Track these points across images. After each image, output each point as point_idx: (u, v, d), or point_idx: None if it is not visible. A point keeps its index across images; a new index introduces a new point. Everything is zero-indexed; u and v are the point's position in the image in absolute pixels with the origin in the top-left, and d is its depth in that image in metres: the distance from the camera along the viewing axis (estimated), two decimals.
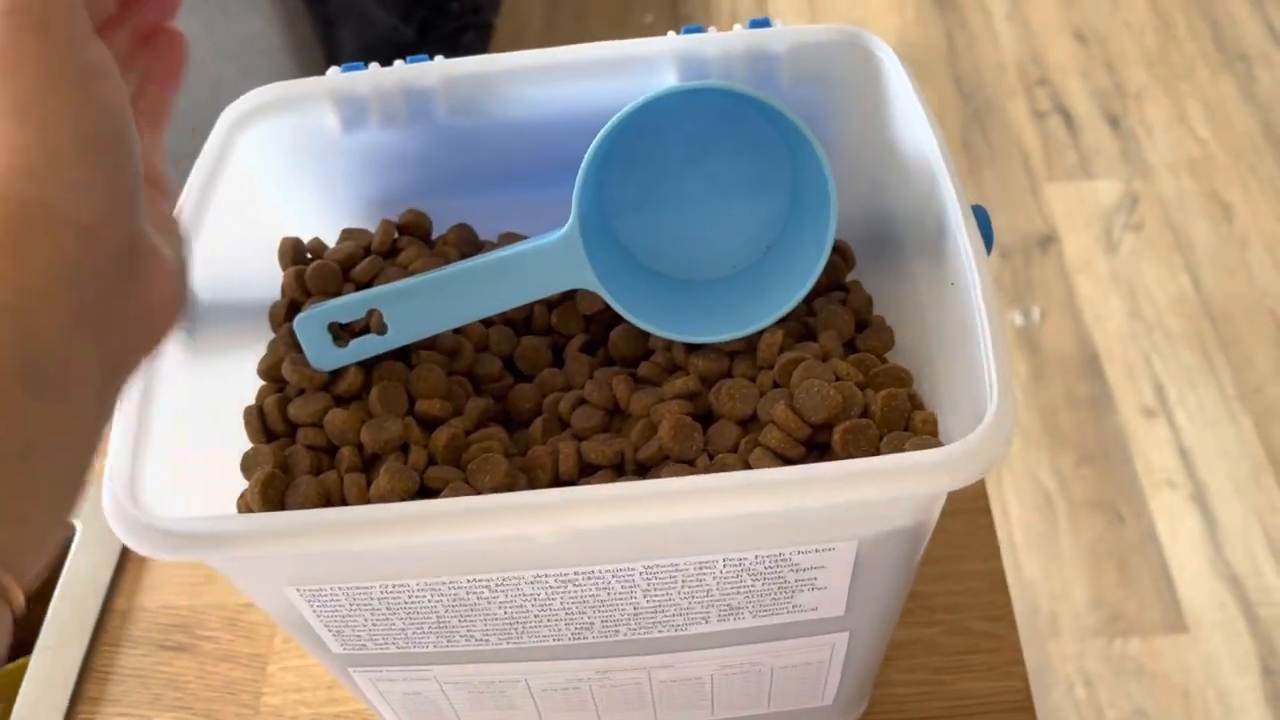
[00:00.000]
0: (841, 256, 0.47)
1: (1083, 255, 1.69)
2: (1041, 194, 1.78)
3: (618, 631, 0.39)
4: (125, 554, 0.60)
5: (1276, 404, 1.51)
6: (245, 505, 0.39)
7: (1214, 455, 1.48)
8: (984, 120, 1.90)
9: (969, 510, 0.57)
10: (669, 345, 0.44)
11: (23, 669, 0.58)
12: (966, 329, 0.35)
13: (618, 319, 0.46)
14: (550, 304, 0.47)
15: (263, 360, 0.43)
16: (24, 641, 0.62)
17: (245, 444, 0.42)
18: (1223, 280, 1.64)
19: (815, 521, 0.34)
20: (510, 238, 0.49)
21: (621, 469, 0.41)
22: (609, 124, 0.40)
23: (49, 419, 0.26)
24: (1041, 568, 1.40)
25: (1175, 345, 1.59)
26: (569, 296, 0.47)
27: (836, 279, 0.47)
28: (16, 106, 0.27)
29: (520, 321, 0.47)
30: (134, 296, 0.29)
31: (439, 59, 0.46)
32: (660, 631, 0.39)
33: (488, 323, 0.46)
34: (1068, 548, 1.42)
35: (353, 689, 0.44)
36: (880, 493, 0.30)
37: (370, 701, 0.45)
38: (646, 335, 0.45)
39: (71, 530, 0.61)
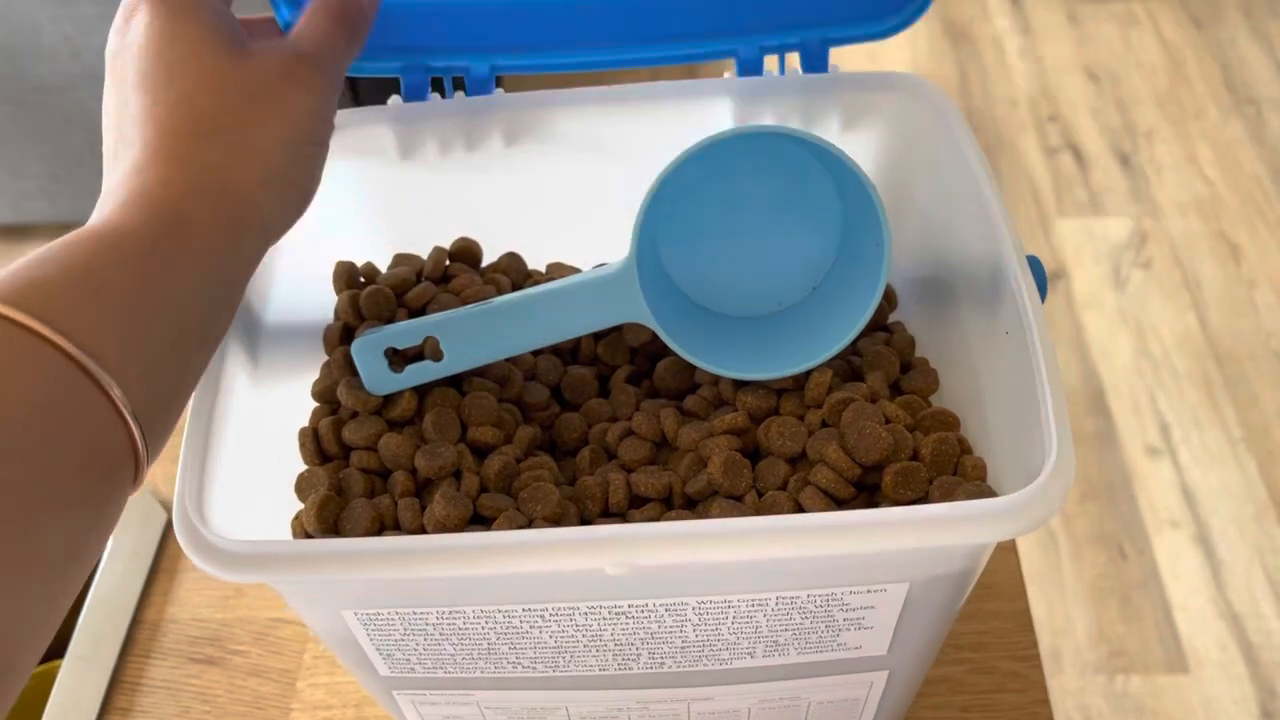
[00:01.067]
0: (885, 298, 0.48)
1: (1091, 291, 1.70)
2: (1051, 229, 1.79)
3: (663, 664, 0.40)
4: (156, 565, 0.61)
5: None
6: (300, 526, 0.40)
7: (1217, 495, 1.49)
8: (995, 155, 1.91)
9: (997, 549, 0.58)
10: (715, 380, 0.45)
11: (52, 673, 0.58)
12: (1021, 377, 0.36)
13: (663, 351, 0.46)
14: (597, 335, 0.47)
15: (316, 383, 0.44)
16: (53, 649, 0.62)
17: (298, 464, 0.42)
18: (1229, 320, 1.65)
19: (872, 563, 0.34)
20: (559, 268, 0.50)
21: (669, 502, 0.41)
22: (668, 166, 0.41)
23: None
24: (1044, 602, 1.41)
25: (1181, 384, 1.60)
26: (616, 328, 0.47)
27: (880, 319, 0.48)
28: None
29: (567, 351, 0.48)
30: None
31: (498, 91, 0.46)
32: (705, 665, 0.40)
33: (536, 351, 0.47)
34: (1070, 582, 1.43)
35: (391, 710, 0.45)
36: (943, 540, 0.31)
37: None
38: (692, 369, 0.46)
39: None
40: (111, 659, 0.57)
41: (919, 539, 0.31)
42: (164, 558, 0.61)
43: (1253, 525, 1.46)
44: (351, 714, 0.55)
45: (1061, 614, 1.41)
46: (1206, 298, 1.69)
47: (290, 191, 0.37)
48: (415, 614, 0.36)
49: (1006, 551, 0.58)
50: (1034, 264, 0.38)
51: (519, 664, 0.39)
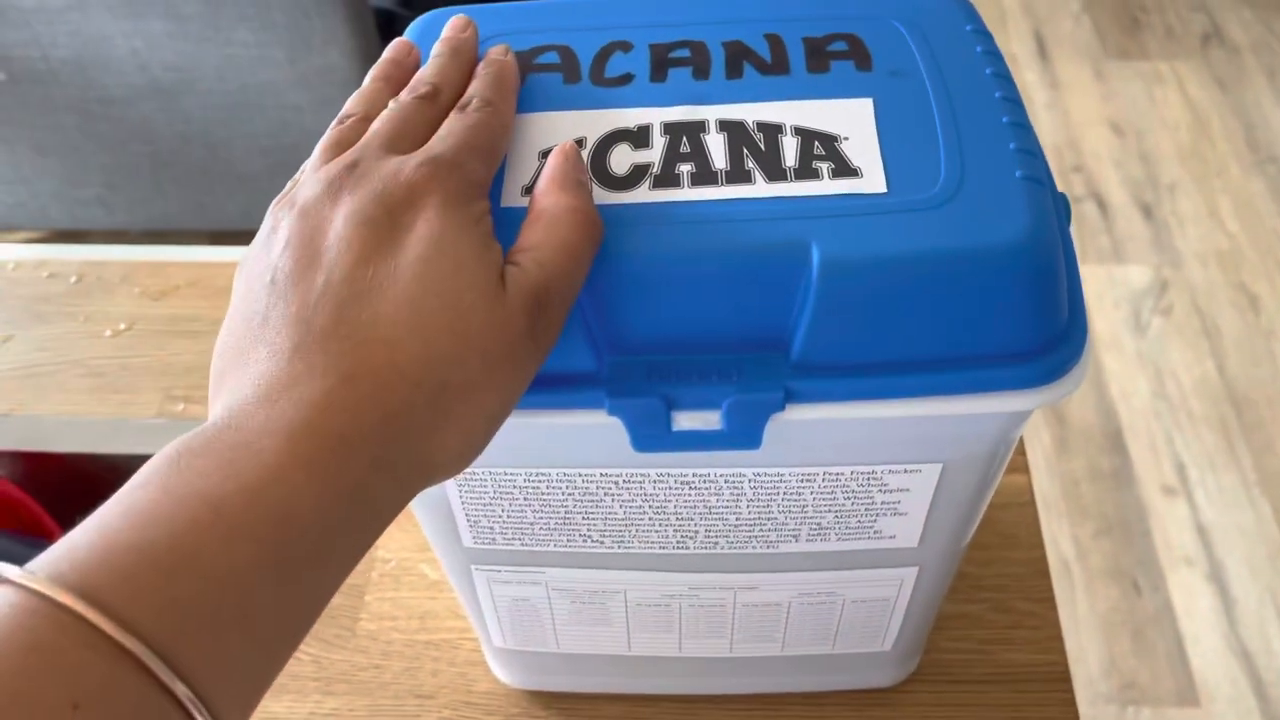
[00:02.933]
0: None
1: (1111, 334, 1.75)
2: None
3: (716, 544, 0.44)
4: None
5: None
6: None
7: (1232, 536, 1.52)
8: None
9: (1016, 504, 0.62)
10: None
11: None
12: None
13: None
14: None
15: None
16: None
17: None
18: (1247, 368, 1.69)
19: (909, 438, 0.39)
20: None
21: None
22: None
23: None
24: None
25: (1198, 427, 1.63)
26: None
27: None
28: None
29: None
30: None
31: None
32: (754, 547, 0.44)
33: None
34: (1084, 614, 1.46)
35: (465, 596, 0.49)
36: (977, 408, 0.36)
37: (479, 608, 0.50)
38: None
39: None
40: None
41: (956, 407, 0.36)
42: None
43: (1266, 566, 1.49)
44: (415, 624, 0.60)
45: (1074, 644, 1.43)
46: (1225, 345, 1.73)
47: (463, 465, 0.31)
48: (506, 474, 0.41)
49: (1025, 505, 0.62)
50: (1062, 198, 0.43)
51: (589, 536, 0.44)
